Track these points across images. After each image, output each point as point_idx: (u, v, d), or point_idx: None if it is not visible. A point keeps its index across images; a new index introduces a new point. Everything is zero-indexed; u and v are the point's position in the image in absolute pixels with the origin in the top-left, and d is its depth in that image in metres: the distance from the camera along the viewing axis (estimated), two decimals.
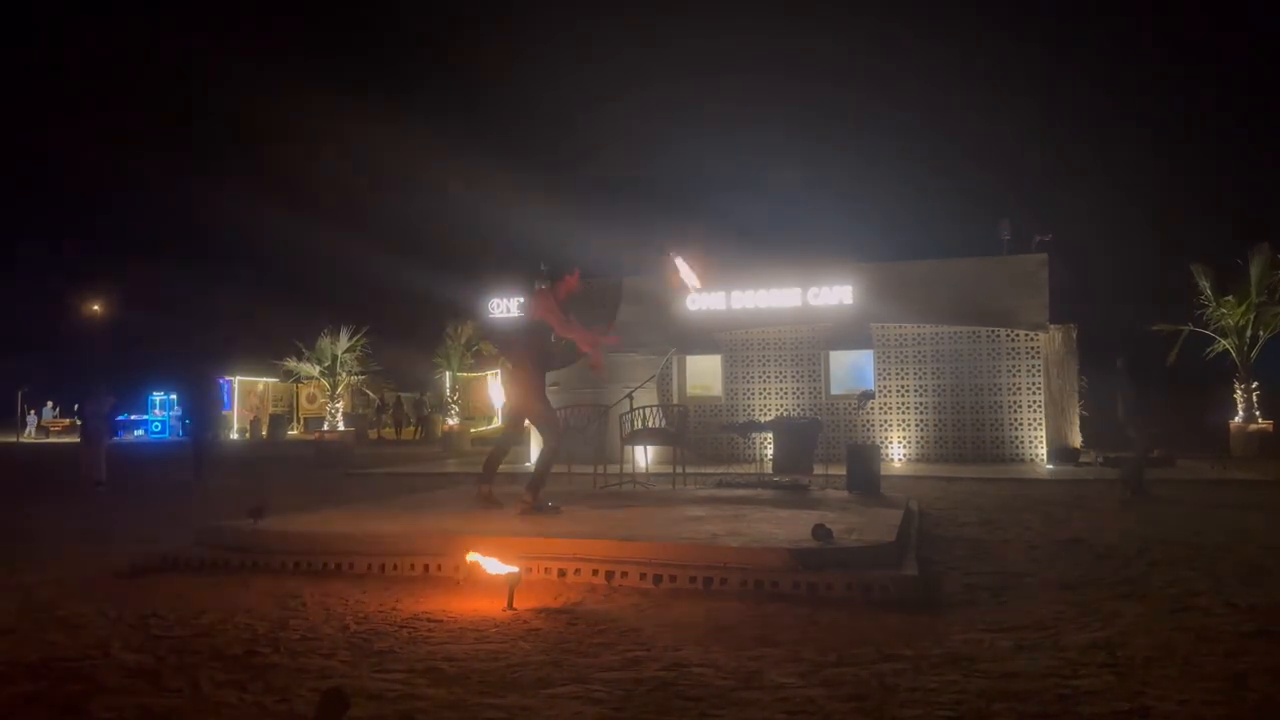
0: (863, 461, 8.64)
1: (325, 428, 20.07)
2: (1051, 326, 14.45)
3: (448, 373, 23.89)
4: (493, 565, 4.75)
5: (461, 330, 23.25)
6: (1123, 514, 8.26)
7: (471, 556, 4.86)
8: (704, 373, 16.00)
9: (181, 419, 17.42)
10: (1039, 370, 14.28)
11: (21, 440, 30.37)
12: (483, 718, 2.95)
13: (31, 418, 34.08)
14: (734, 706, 3.04)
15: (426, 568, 5.35)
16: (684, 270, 7.78)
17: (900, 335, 14.86)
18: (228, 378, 35.00)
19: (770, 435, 10.87)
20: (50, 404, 35.69)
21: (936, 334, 14.67)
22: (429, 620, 4.29)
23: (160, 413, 34.68)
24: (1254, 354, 16.33)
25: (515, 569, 4.67)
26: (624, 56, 56.58)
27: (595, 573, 5.09)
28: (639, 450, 10.70)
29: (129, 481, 13.22)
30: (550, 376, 7.04)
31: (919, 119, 54.55)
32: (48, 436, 33.31)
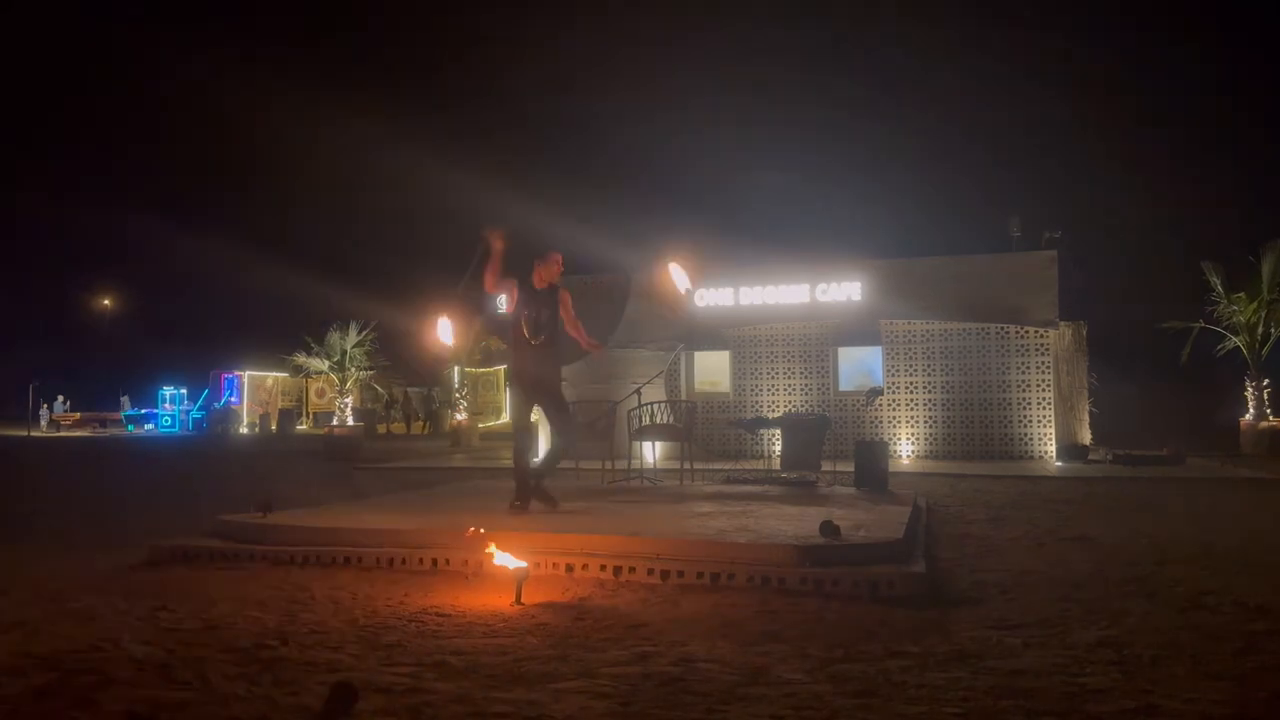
0: (871, 458, 8.64)
1: (334, 422, 20.11)
2: (1061, 323, 14.40)
3: (456, 368, 23.98)
4: (501, 560, 4.78)
5: (470, 326, 23.30)
6: (1131, 512, 8.23)
7: (490, 549, 4.91)
8: (712, 369, 15.99)
9: None
10: (1048, 367, 14.23)
11: (32, 435, 30.50)
12: (491, 711, 2.96)
13: (44, 412, 34.22)
14: (740, 702, 3.04)
15: (435, 562, 5.37)
16: (677, 275, 7.77)
17: (909, 332, 14.83)
18: (237, 372, 35.13)
19: (778, 431, 10.86)
20: (60, 398, 35.83)
21: (945, 331, 14.63)
22: (437, 614, 4.31)
23: (170, 407, 34.87)
24: (1265, 351, 16.24)
25: (523, 564, 4.69)
26: (629, 54, 56.54)
27: (603, 568, 5.10)
28: (647, 446, 10.71)
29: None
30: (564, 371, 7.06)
31: (929, 115, 54.36)
32: (59, 431, 33.45)
